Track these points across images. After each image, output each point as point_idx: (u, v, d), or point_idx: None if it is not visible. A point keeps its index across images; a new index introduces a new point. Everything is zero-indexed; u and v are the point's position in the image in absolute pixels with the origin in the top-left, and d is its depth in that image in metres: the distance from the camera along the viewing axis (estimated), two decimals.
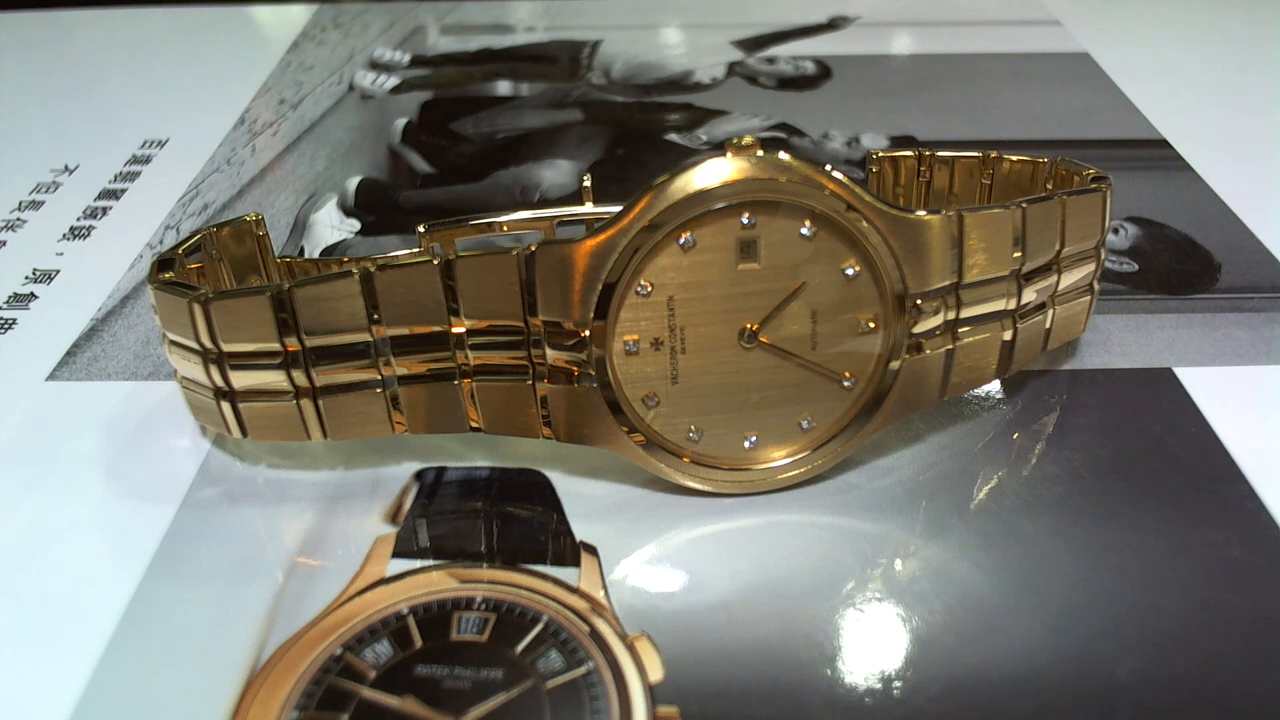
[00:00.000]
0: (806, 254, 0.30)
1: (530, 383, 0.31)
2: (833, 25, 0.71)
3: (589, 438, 0.32)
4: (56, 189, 0.52)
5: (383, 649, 0.28)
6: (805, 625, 0.29)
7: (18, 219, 0.50)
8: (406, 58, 0.67)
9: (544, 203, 0.51)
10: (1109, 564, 0.31)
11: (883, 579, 0.30)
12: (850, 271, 0.30)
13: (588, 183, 0.40)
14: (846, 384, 0.32)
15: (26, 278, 0.45)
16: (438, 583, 0.30)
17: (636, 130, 0.57)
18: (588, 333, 0.30)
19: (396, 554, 0.31)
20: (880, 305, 0.31)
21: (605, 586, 0.30)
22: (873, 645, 0.29)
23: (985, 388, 0.37)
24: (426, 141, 0.57)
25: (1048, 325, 0.35)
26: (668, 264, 0.30)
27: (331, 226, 0.49)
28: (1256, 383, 0.37)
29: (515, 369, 0.31)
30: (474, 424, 0.32)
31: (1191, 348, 0.39)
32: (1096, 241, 0.35)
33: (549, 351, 0.30)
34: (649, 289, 0.30)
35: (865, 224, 0.30)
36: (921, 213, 0.30)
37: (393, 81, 0.64)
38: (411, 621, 0.29)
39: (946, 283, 0.31)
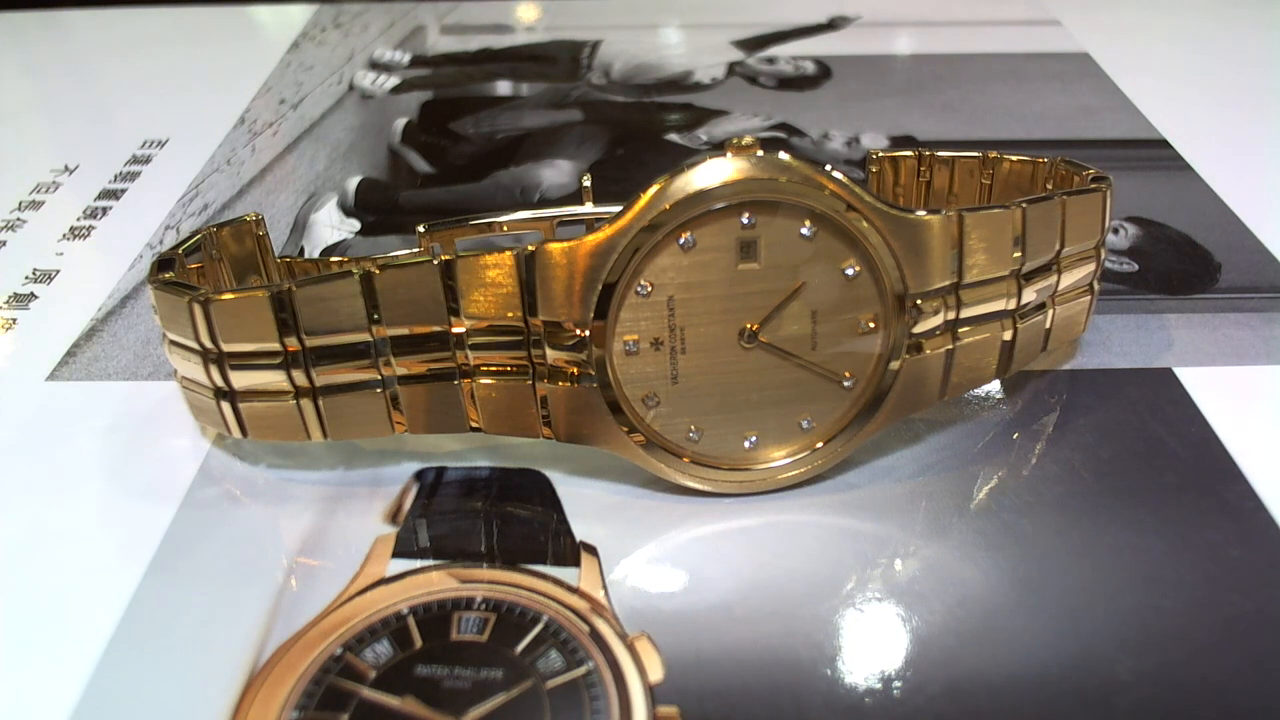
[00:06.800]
0: (806, 254, 0.30)
1: (530, 383, 0.31)
2: (833, 25, 0.71)
3: (589, 438, 0.32)
4: (56, 189, 0.52)
5: (383, 649, 0.28)
6: (805, 625, 0.29)
7: (18, 219, 0.50)
8: (406, 58, 0.67)
9: (544, 203, 0.51)
10: (1109, 564, 0.31)
11: (883, 579, 0.30)
12: (850, 271, 0.30)
13: (588, 183, 0.40)
14: (846, 384, 0.32)
15: (26, 278, 0.45)
16: (438, 583, 0.30)
17: (636, 130, 0.57)
18: (588, 333, 0.30)
19: (396, 554, 0.31)
20: (880, 305, 0.31)
21: (605, 586, 0.30)
22: (873, 645, 0.29)
23: (985, 388, 0.37)
24: (426, 141, 0.57)
25: (1048, 325, 0.35)
26: (668, 264, 0.30)
27: (331, 226, 0.49)
28: (1256, 383, 0.37)
29: (515, 369, 0.31)
30: (474, 424, 0.32)
31: (1191, 348, 0.39)
32: (1096, 241, 0.35)
33: (549, 351, 0.30)
34: (649, 289, 0.30)
35: (865, 224, 0.30)
36: (921, 213, 0.30)
37: (393, 81, 0.64)
38: (411, 621, 0.29)
39: (946, 283, 0.31)
